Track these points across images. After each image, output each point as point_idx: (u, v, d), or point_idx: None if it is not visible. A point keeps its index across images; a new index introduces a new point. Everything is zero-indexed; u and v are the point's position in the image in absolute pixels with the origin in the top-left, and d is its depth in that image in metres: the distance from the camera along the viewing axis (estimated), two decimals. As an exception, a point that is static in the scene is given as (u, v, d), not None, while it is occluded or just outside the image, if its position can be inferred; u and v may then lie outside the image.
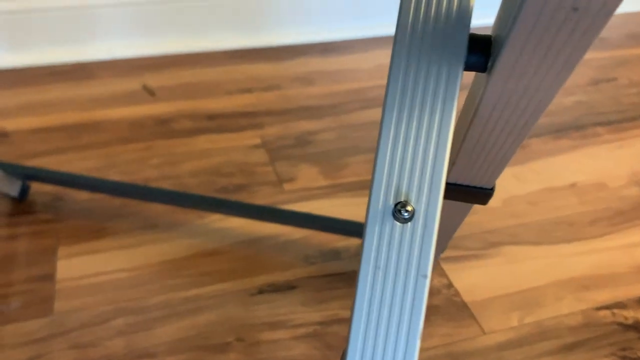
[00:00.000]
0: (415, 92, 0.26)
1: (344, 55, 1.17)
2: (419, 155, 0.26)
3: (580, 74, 1.14)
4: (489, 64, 0.26)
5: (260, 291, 0.64)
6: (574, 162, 0.87)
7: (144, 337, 0.58)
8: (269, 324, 0.60)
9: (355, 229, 0.68)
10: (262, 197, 0.77)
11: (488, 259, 0.70)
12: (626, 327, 0.63)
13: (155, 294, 0.63)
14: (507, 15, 0.23)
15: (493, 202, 0.77)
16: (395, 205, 0.26)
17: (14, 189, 0.72)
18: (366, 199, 0.78)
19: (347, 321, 0.60)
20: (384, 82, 1.06)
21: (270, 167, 0.83)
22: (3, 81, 1.01)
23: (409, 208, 0.26)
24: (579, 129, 0.96)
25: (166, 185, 0.79)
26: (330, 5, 1.20)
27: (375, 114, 0.97)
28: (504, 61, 0.24)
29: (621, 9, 1.38)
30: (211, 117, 0.94)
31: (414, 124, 0.26)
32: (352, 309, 0.26)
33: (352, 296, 0.62)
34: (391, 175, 0.26)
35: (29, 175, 0.72)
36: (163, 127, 0.91)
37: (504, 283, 0.67)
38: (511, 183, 0.83)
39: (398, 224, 0.26)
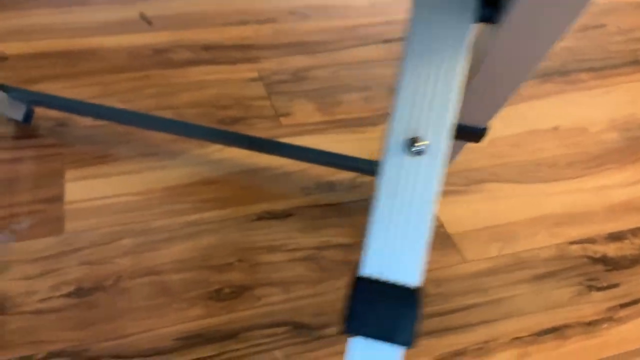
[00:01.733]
0: (432, 42, 0.28)
1: (339, -9, 1.16)
2: (433, 97, 0.29)
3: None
4: (498, 16, 0.29)
5: (259, 218, 0.68)
6: (557, 107, 0.91)
7: (150, 256, 0.62)
8: (267, 248, 0.65)
9: (350, 164, 0.72)
10: (259, 131, 0.80)
11: (471, 195, 0.74)
12: (594, 260, 0.69)
13: (159, 217, 0.66)
14: None
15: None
16: (410, 140, 0.29)
17: (18, 113, 0.73)
18: (359, 135, 0.81)
19: (340, 247, 0.65)
20: (377, 20, 1.07)
21: (267, 102, 0.85)
22: (-5, 3, 0.99)
23: (421, 143, 0.29)
24: (563, 74, 0.99)
25: (165, 114, 0.81)
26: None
27: (368, 52, 0.99)
28: (517, 11, 0.26)
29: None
30: (208, 48, 0.95)
31: (431, 70, 0.29)
32: (370, 225, 0.30)
33: (344, 225, 0.66)
34: (408, 114, 0.29)
35: (33, 100, 0.73)
36: (160, 57, 0.91)
37: (485, 217, 0.72)
38: (496, 125, 0.86)
39: (410, 157, 0.30)
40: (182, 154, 0.75)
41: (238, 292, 0.60)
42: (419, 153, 0.30)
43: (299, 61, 0.94)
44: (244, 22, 1.03)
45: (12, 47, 0.89)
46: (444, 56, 0.29)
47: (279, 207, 0.70)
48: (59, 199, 0.67)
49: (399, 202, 0.30)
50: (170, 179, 0.71)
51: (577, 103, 0.92)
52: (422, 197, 0.30)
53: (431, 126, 0.29)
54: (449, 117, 0.29)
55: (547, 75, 0.98)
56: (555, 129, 0.86)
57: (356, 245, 0.66)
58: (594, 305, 0.64)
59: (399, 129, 0.29)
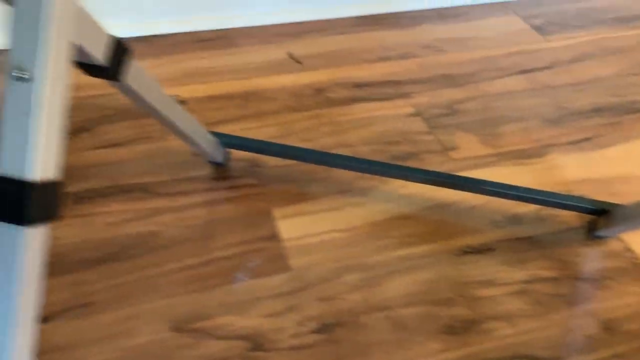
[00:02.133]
0: None
1: (463, 22, 1.20)
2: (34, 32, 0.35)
3: None
4: None
5: (464, 252, 0.71)
6: None
7: (377, 291, 0.66)
8: (481, 282, 0.68)
9: (531, 196, 0.75)
10: (433, 165, 0.84)
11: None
12: None
13: (372, 253, 0.70)
14: None
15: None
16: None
17: (220, 155, 0.79)
18: (528, 167, 0.84)
19: (548, 280, 0.68)
20: (509, 50, 1.11)
21: (431, 136, 0.89)
22: (155, 48, 1.06)
23: (24, 72, 0.35)
24: None
25: (343, 152, 0.85)
26: (451, -28, 1.22)
27: (510, 82, 1.02)
28: None
29: None
30: (360, 85, 1.00)
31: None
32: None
33: (546, 258, 0.69)
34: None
35: (232, 143, 0.79)
36: (320, 96, 0.96)
37: (674, 247, 0.74)
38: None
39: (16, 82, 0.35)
40: (371, 190, 0.79)
41: (468, 326, 0.63)
42: (20, 79, 0.35)
43: (448, 94, 0.98)
44: (386, 58, 1.07)
45: (187, 90, 0.96)
46: None
47: (478, 241, 0.73)
48: (275, 236, 0.72)
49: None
50: (369, 215, 0.75)
51: None
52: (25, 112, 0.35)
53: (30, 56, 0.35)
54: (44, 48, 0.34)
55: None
56: None
57: (563, 278, 0.69)
58: None
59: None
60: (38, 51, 0.35)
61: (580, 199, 0.72)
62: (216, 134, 0.77)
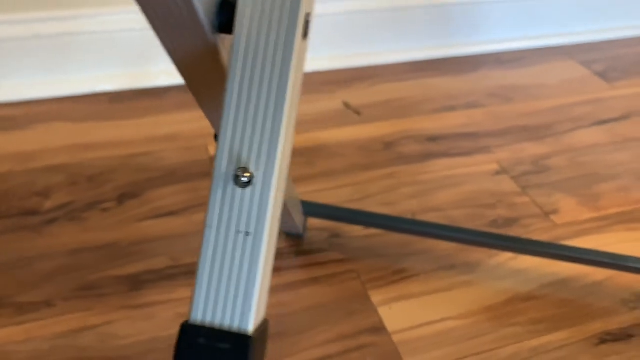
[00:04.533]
0: (256, 60, 0.27)
1: (522, 68, 1.13)
2: (259, 123, 0.27)
3: None
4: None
5: (602, 341, 0.60)
6: None
7: (519, 398, 0.54)
8: (633, 380, 0.57)
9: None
10: (538, 232, 0.74)
11: None
12: None
13: (500, 345, 0.59)
14: None
15: None
16: (236, 170, 0.28)
17: (301, 225, 0.67)
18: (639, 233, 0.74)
19: None
20: (580, 99, 1.03)
21: (526, 198, 0.79)
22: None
23: (247, 174, 0.27)
24: None
25: (433, 217, 0.75)
26: (499, 15, 1.15)
27: (591, 135, 0.94)
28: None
29: None
30: (432, 139, 0.90)
31: (255, 94, 0.27)
32: (197, 267, 0.28)
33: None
34: (233, 143, 0.28)
35: (310, 211, 0.67)
36: (392, 151, 0.86)
37: None
38: None
39: (238, 188, 0.28)
40: (478, 265, 0.68)
41: None
42: (246, 184, 0.27)
43: (531, 148, 0.89)
44: (452, 108, 0.98)
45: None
46: (270, 79, 0.27)
47: (614, 327, 0.62)
48: (381, 328, 0.60)
49: (226, 236, 0.28)
50: (484, 296, 0.64)
51: None
52: (252, 230, 0.27)
53: (259, 155, 0.27)
54: (278, 144, 0.27)
55: None
56: None
57: None
58: None
59: (225, 160, 0.28)
60: (272, 141, 0.25)
61: None
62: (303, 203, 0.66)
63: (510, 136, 0.92)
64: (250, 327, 0.27)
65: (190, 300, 0.29)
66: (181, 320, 0.58)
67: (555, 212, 0.77)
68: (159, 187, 0.77)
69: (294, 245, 0.69)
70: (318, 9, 0.98)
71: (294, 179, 0.79)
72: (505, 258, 0.69)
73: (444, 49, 1.13)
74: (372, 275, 0.66)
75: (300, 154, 0.84)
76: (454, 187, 0.80)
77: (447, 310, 0.62)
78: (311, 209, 0.67)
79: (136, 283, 0.62)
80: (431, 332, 0.60)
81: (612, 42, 1.24)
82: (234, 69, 0.27)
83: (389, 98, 0.99)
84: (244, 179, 0.27)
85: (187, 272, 0.64)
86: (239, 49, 0.27)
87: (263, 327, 0.29)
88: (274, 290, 0.62)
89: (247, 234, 0.27)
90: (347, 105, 0.96)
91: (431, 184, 0.80)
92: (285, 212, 0.57)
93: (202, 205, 0.74)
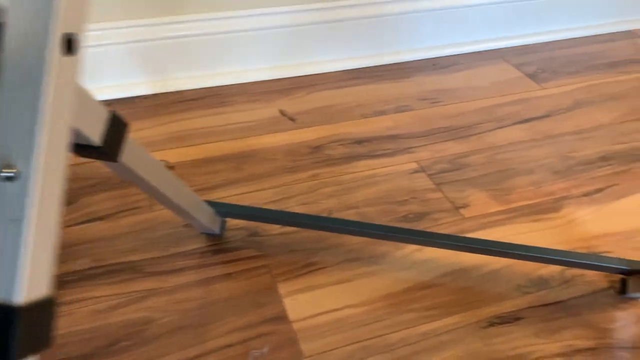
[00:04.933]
0: (22, 75, 0.31)
1: (456, 72, 1.18)
2: (23, 128, 0.30)
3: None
4: None
5: (491, 324, 0.65)
6: None
7: (403, 376, 0.59)
8: (513, 357, 0.61)
9: (554, 258, 0.69)
10: (446, 226, 0.78)
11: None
12: None
13: (393, 330, 0.64)
14: None
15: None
16: (1, 167, 0.31)
17: (217, 225, 0.72)
18: (545, 223, 0.79)
19: (587, 351, 0.61)
20: (506, 100, 1.08)
21: (439, 194, 0.84)
22: (138, 110, 1.00)
23: (11, 169, 0.30)
24: None
25: (349, 214, 0.79)
26: (436, 22, 1.21)
27: (511, 133, 0.99)
28: None
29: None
30: (359, 141, 0.95)
31: (20, 101, 0.31)
32: None
33: (580, 326, 0.63)
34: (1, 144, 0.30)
35: (227, 211, 0.72)
36: (319, 154, 0.91)
37: None
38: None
39: (6, 182, 0.31)
40: (384, 257, 0.73)
41: (508, 412, 0.56)
42: (11, 179, 0.30)
43: (451, 148, 0.94)
44: (381, 112, 1.03)
45: (174, 155, 0.89)
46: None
47: (504, 310, 0.67)
48: (283, 317, 0.64)
49: None
50: (385, 285, 0.69)
51: None
52: (19, 217, 0.30)
53: (24, 154, 0.30)
54: (39, 144, 0.30)
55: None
56: None
57: (602, 349, 0.63)
58: None
59: None
60: (31, 142, 0.29)
61: (610, 259, 0.67)
62: (211, 203, 0.71)
63: (434, 137, 0.97)
64: (17, 299, 0.29)
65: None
66: (98, 316, 0.63)
67: (465, 206, 0.82)
68: (92, 194, 0.81)
69: (213, 244, 0.73)
70: (262, 23, 1.03)
71: (221, 184, 0.84)
72: (411, 250, 0.74)
73: (380, 57, 1.18)
74: (282, 269, 0.70)
75: (228, 160, 0.89)
76: (372, 185, 0.85)
77: (348, 299, 0.67)
78: (227, 210, 0.72)
79: (60, 283, 0.67)
80: (330, 320, 0.64)
81: (545, 44, 1.29)
82: (4, 80, 0.31)
83: (324, 105, 1.04)
84: (9, 174, 0.30)
85: (108, 272, 0.69)
86: (7, 63, 0.31)
87: (42, 304, 0.31)
88: (188, 286, 0.67)
89: (14, 220, 0.30)
90: (282, 112, 1.02)
91: (351, 184, 0.85)
92: (185, 215, 0.62)
93: (131, 209, 0.78)
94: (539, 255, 0.69)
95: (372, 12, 1.14)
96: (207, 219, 0.67)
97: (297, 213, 0.75)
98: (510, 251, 0.70)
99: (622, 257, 0.74)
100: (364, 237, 0.74)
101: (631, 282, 0.67)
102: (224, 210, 0.72)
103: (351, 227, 0.72)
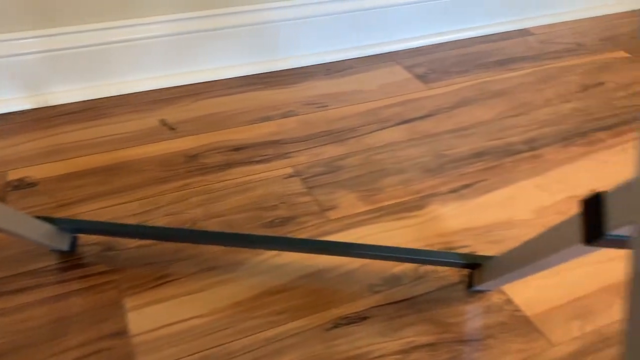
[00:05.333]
0: None
1: (346, 76, 1.19)
2: None
3: (568, 81, 1.21)
4: None
5: (336, 325, 0.66)
6: (589, 169, 0.93)
7: (237, 384, 0.59)
8: (353, 358, 0.62)
9: (408, 256, 0.70)
10: (310, 229, 0.79)
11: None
12: (675, 326, 0.68)
13: (236, 338, 0.63)
14: None
15: (525, 213, 0.82)
16: None
17: (63, 242, 0.70)
18: (408, 221, 0.80)
19: (426, 347, 0.62)
20: (392, 101, 1.10)
21: (309, 197, 0.85)
22: (12, 125, 0.98)
23: None
24: (583, 135, 1.02)
25: (213, 223, 0.79)
26: (329, 28, 1.22)
27: (393, 133, 1.00)
28: None
29: (590, 13, 1.46)
30: (238, 148, 0.95)
31: None
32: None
33: (423, 322, 0.64)
34: None
35: (78, 228, 0.71)
36: (194, 163, 0.91)
37: (556, 293, 0.71)
38: (537, 194, 0.87)
39: None
40: (240, 264, 0.73)
41: (338, 413, 0.57)
42: None
43: (329, 151, 0.95)
44: (266, 118, 1.03)
45: (40, 170, 0.87)
46: None
47: (353, 310, 0.67)
48: (123, 332, 0.63)
49: None
50: (236, 293, 0.69)
51: (605, 162, 0.94)
52: None
53: None
54: None
55: (567, 139, 1.01)
56: (594, 191, 0.88)
57: (441, 343, 0.64)
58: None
59: None
60: None
61: (451, 254, 0.69)
62: (58, 220, 0.69)
63: (314, 141, 0.97)
64: None
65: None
66: None
67: (332, 208, 0.83)
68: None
69: (64, 261, 0.72)
70: (144, 32, 1.02)
71: (85, 198, 0.82)
72: (270, 255, 0.74)
73: (272, 63, 1.19)
74: (132, 283, 0.69)
75: (97, 173, 0.87)
76: (243, 192, 0.85)
77: (196, 309, 0.66)
78: (75, 227, 0.71)
79: None
80: (172, 332, 0.64)
81: (438, 45, 1.32)
82: None
83: (209, 112, 1.04)
84: None
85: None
86: None
87: None
88: (35, 305, 0.65)
89: None
90: (163, 122, 1.01)
91: (222, 192, 0.85)
92: (15, 235, 0.61)
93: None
94: (389, 254, 0.70)
95: (260, 19, 1.15)
96: (47, 238, 0.65)
97: (150, 226, 0.74)
98: (362, 251, 0.70)
99: (477, 250, 0.76)
100: (220, 246, 0.74)
101: (475, 275, 0.69)
102: (72, 226, 0.71)
103: (206, 237, 0.71)
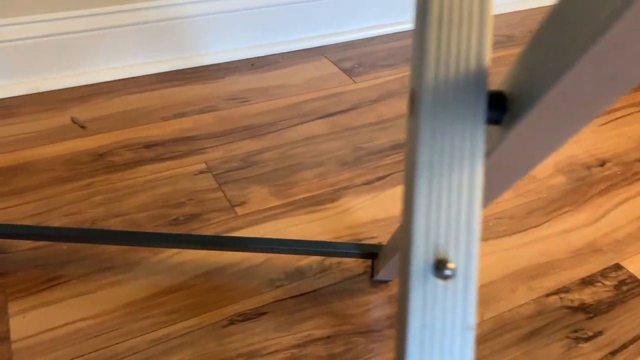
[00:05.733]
0: (443, 151, 0.27)
1: (272, 71, 1.17)
2: (453, 213, 0.27)
3: (497, 72, 1.21)
4: (506, 118, 0.28)
5: (231, 322, 0.64)
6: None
7: (119, 387, 0.56)
8: (245, 355, 0.60)
9: (314, 248, 0.69)
10: (216, 225, 0.77)
11: (443, 261, 0.73)
12: (574, 309, 0.68)
13: (123, 339, 0.61)
14: (531, 76, 0.25)
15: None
16: (436, 263, 0.27)
17: (-52, 246, 0.67)
18: (320, 214, 0.79)
19: (322, 340, 0.61)
20: (316, 95, 1.08)
21: (219, 193, 0.82)
22: None
23: (450, 265, 0.27)
24: (504, 125, 1.02)
25: (115, 222, 0.76)
26: (254, 22, 1.20)
27: (313, 127, 0.99)
28: (529, 118, 0.26)
29: (521, 6, 1.47)
30: (149, 145, 0.92)
31: (445, 182, 0.27)
32: None
33: (323, 314, 0.63)
34: (428, 235, 0.27)
35: (-37, 230, 0.67)
36: (101, 162, 0.88)
37: (461, 282, 0.71)
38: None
39: (440, 281, 0.27)
40: (137, 264, 0.70)
41: (222, 412, 0.55)
42: (447, 277, 0.27)
43: (246, 146, 0.93)
44: (183, 115, 1.01)
45: (-64, 173, 0.83)
46: (461, 165, 0.27)
47: (250, 306, 0.66)
48: (4, 338, 0.60)
49: (433, 333, 0.27)
50: (129, 294, 0.66)
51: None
52: (459, 324, 0.27)
53: (458, 245, 0.27)
54: (476, 233, 0.27)
55: (488, 128, 1.01)
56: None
57: (337, 336, 0.63)
58: (585, 358, 0.63)
59: (422, 251, 0.27)
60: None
61: (350, 245, 0.68)
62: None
63: (231, 136, 0.95)
64: None
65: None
66: None
67: (242, 204, 0.81)
68: None
69: (-51, 266, 0.68)
70: (54, 29, 0.98)
71: (-21, 200, 0.78)
72: (170, 254, 0.72)
73: (195, 59, 1.16)
74: (19, 287, 0.66)
75: (1, 173, 0.83)
76: (150, 190, 0.82)
77: (85, 311, 0.63)
78: (-38, 228, 0.67)
79: None
80: (56, 335, 0.61)
81: (368, 40, 1.31)
82: (421, 159, 0.27)
83: (121, 110, 1.01)
84: (447, 272, 0.27)
85: None
86: (427, 138, 0.27)
87: None
88: None
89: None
90: (74, 120, 0.97)
91: (127, 190, 0.82)
92: None
93: None
94: (288, 247, 0.68)
95: (179, 14, 1.12)
96: None
97: (42, 226, 0.71)
98: (262, 245, 0.69)
99: (384, 242, 0.75)
100: (116, 245, 0.71)
101: (375, 265, 0.68)
102: (-44, 228, 0.67)
103: (101, 237, 0.69)
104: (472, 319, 0.27)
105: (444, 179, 0.27)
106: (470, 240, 0.27)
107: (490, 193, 0.33)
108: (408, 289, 0.27)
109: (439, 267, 0.27)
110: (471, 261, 0.27)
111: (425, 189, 0.27)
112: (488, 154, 0.29)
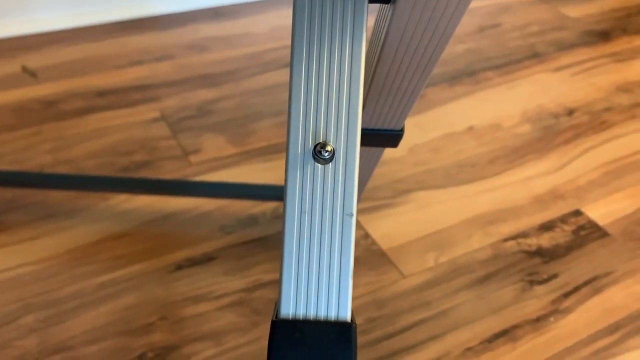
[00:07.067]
0: (322, 30, 0.25)
1: (236, 20, 1.13)
2: (333, 95, 0.25)
3: (467, 23, 1.19)
4: None
5: (179, 267, 0.62)
6: (470, 107, 0.92)
7: (58, 330, 0.55)
8: (192, 298, 0.59)
9: (270, 193, 0.68)
10: (168, 172, 0.74)
11: (399, 207, 0.72)
12: (530, 254, 0.67)
13: (66, 284, 0.59)
14: None
15: (398, 151, 0.80)
16: (315, 146, 0.26)
17: None
18: (277, 162, 0.77)
19: (272, 284, 0.60)
20: (280, 44, 1.05)
21: (173, 141, 0.80)
22: None
23: (328, 148, 0.26)
24: (471, 75, 1.01)
25: (62, 170, 0.73)
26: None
27: (274, 77, 0.96)
28: None
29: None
30: (102, 93, 0.89)
31: (325, 63, 0.26)
32: (281, 256, 0.26)
33: (274, 259, 0.62)
34: (307, 117, 0.26)
35: None
36: (51, 110, 0.84)
37: (416, 227, 0.70)
38: (413, 132, 0.85)
39: (319, 165, 0.26)
40: (83, 210, 0.68)
41: (164, 354, 0.54)
42: (327, 160, 0.26)
43: (203, 95, 0.90)
44: (139, 62, 0.97)
45: None
46: (342, 45, 0.25)
47: (200, 252, 0.64)
48: (-59, 283, 0.58)
49: (312, 220, 0.26)
50: (74, 240, 0.64)
51: (487, 101, 0.93)
52: (339, 210, 0.26)
53: (339, 128, 0.25)
54: (357, 115, 0.26)
55: (456, 78, 0.99)
56: (471, 128, 0.86)
57: (288, 279, 0.61)
58: (538, 300, 0.62)
59: (301, 135, 0.25)
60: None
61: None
62: None
63: (188, 85, 0.92)
64: (349, 314, 0.26)
65: (278, 295, 0.26)
66: None
67: (196, 152, 0.78)
68: None
69: None
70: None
71: None
72: (118, 200, 0.69)
73: (149, 7, 1.11)
74: (-42, 233, 0.64)
75: (-63, 121, 0.80)
76: (101, 138, 0.79)
77: (24, 257, 0.61)
78: None
79: None
80: (-5, 281, 0.59)
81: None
82: (299, 39, 0.25)
83: (75, 58, 0.97)
84: (325, 155, 0.26)
85: None
86: (303, 16, 0.25)
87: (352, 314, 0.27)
88: None
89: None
90: (24, 68, 0.93)
91: (76, 138, 0.79)
92: None
93: None
94: (245, 193, 0.67)
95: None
96: None
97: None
98: (208, 190, 0.67)
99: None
100: (61, 190, 0.68)
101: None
102: None
103: (43, 181, 0.66)
104: (354, 206, 0.26)
105: (324, 59, 0.25)
106: (351, 123, 0.26)
107: (402, 91, 0.31)
108: (287, 175, 0.26)
109: (318, 150, 0.25)
110: (352, 145, 0.26)
111: (303, 70, 0.25)
112: (384, 36, 0.27)
